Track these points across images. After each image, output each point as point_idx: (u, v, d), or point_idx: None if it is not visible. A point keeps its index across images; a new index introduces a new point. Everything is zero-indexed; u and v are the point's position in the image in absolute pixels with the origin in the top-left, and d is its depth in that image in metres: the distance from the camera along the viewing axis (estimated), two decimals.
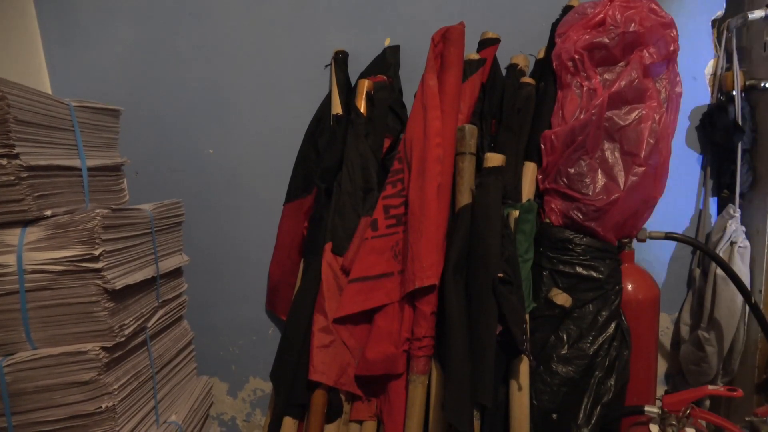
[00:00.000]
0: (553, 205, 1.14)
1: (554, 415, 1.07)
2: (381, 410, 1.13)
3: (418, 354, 1.06)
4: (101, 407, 0.93)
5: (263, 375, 1.60)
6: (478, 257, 1.02)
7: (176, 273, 1.26)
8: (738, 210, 1.24)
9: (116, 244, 0.97)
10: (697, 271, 1.35)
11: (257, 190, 1.50)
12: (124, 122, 1.25)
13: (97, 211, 0.93)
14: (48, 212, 0.94)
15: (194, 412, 1.21)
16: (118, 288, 0.95)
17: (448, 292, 1.02)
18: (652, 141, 1.07)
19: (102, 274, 0.92)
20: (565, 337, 1.10)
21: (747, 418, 0.97)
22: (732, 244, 1.23)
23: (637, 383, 1.13)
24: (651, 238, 1.17)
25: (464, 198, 1.09)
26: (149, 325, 1.09)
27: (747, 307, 1.23)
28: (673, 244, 1.41)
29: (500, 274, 0.98)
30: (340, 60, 1.36)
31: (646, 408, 0.99)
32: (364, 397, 1.16)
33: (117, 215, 0.98)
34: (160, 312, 1.15)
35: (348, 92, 1.34)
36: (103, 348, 0.93)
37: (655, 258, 1.37)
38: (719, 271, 1.23)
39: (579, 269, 1.11)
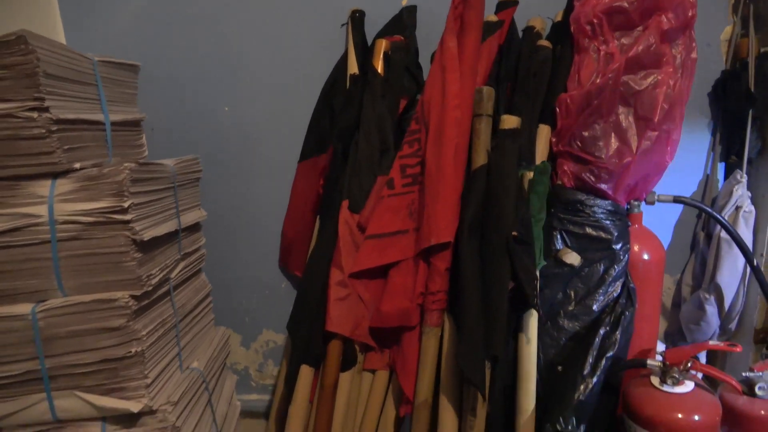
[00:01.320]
0: (565, 168, 1.17)
1: (559, 368, 1.13)
2: (394, 361, 1.18)
3: (432, 307, 1.11)
4: (130, 352, 0.97)
5: (276, 327, 1.65)
6: (492, 217, 1.05)
7: (195, 227, 1.30)
8: (745, 176, 1.27)
9: (143, 197, 1.00)
10: (701, 235, 1.39)
11: (271, 148, 1.52)
12: (139, 80, 1.26)
13: (126, 164, 0.96)
14: (77, 165, 0.96)
15: (213, 360, 1.27)
16: (146, 239, 0.98)
17: (463, 249, 1.06)
18: (666, 106, 1.09)
19: (131, 225, 0.95)
20: (572, 295, 1.14)
21: (744, 374, 1.02)
22: (737, 208, 1.27)
23: (640, 340, 1.18)
24: (660, 201, 1.20)
25: (480, 159, 1.11)
26: (172, 276, 1.13)
27: (748, 270, 1.27)
28: (678, 208, 1.44)
29: (514, 233, 1.01)
30: (357, 19, 1.36)
31: (649, 361, 1.04)
32: (378, 348, 1.21)
33: (143, 169, 1.01)
34: (182, 264, 1.19)
35: (364, 52, 1.34)
36: (132, 296, 0.97)
37: (660, 221, 1.41)
38: (723, 234, 1.27)
39: (589, 230, 1.14)
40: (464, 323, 1.02)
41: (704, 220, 1.40)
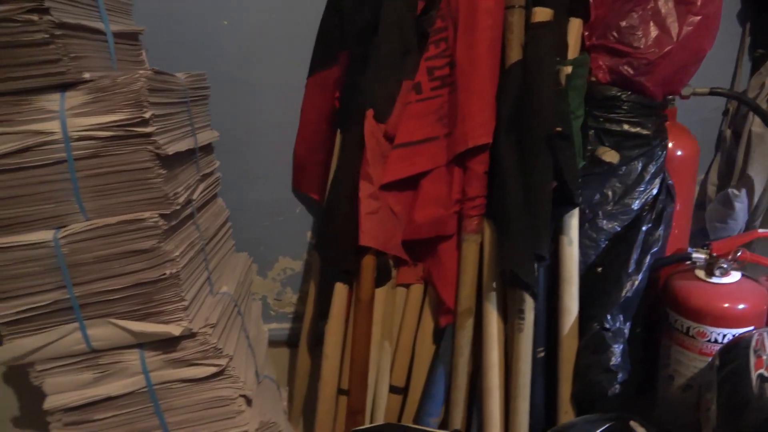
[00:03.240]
0: (600, 62, 1.11)
1: (599, 269, 1.11)
2: (430, 272, 1.15)
3: (471, 213, 1.07)
4: (165, 274, 0.92)
5: (293, 254, 1.61)
6: (531, 113, 1.00)
7: (209, 148, 1.23)
8: None
9: (160, 110, 0.92)
10: (728, 132, 1.36)
11: (277, 63, 1.42)
12: None
13: (141, 72, 0.87)
14: (86, 75, 0.87)
15: (241, 284, 1.22)
16: (170, 153, 0.91)
17: (503, 149, 1.01)
18: None
19: (153, 138, 0.88)
20: (610, 194, 1.11)
21: None
22: None
23: (674, 238, 1.17)
24: (695, 94, 1.16)
25: (514, 54, 1.05)
26: (194, 198, 1.07)
27: None
28: (703, 106, 1.40)
29: (558, 128, 0.97)
30: None
31: (694, 254, 1.03)
32: (411, 261, 1.18)
33: (159, 78, 0.92)
34: (201, 186, 1.12)
35: None
36: (161, 215, 0.91)
37: (683, 120, 1.37)
38: (755, 128, 1.24)
39: (626, 126, 1.10)
40: (509, 224, 0.98)
41: (730, 117, 1.37)
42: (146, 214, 0.90)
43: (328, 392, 1.16)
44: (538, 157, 0.98)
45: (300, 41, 1.38)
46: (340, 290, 1.15)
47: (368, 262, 1.13)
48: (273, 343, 1.67)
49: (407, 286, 1.20)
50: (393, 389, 1.20)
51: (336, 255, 1.15)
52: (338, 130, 1.25)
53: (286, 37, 1.39)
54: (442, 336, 1.17)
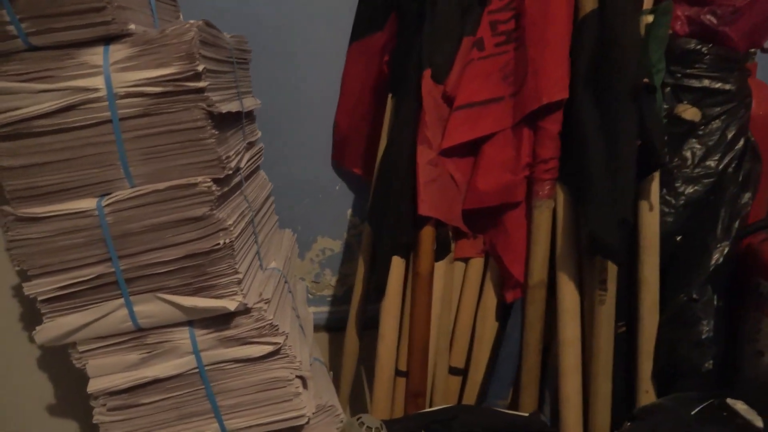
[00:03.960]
0: (679, 12, 1.02)
1: (678, 237, 1.03)
2: (493, 245, 1.07)
3: (544, 177, 0.99)
4: (218, 244, 0.84)
5: (332, 233, 1.53)
6: (613, 65, 0.91)
7: (251, 116, 1.16)
8: None
9: (211, 65, 0.85)
10: None
11: (316, 30, 1.34)
12: None
13: (191, 22, 0.80)
14: (131, 26, 0.80)
15: (288, 260, 1.15)
16: (223, 112, 0.84)
17: (580, 106, 0.93)
18: None
19: (206, 95, 0.80)
20: (690, 156, 1.03)
21: None
22: None
23: (757, 204, 1.08)
24: None
25: (588, 3, 0.96)
26: (242, 165, 0.99)
27: None
28: None
29: (645, 80, 0.88)
30: None
31: None
32: (471, 233, 1.10)
33: (209, 31, 0.85)
34: (248, 155, 1.04)
35: None
36: (214, 180, 0.83)
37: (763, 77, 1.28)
38: None
39: (706, 82, 1.02)
40: (590, 186, 0.90)
41: None
42: (198, 179, 0.82)
43: (386, 374, 1.08)
44: (622, 114, 0.89)
45: (339, 5, 1.30)
46: (398, 265, 1.07)
47: (427, 234, 1.05)
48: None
49: (466, 260, 1.13)
50: (452, 370, 1.12)
51: (393, 227, 1.06)
52: (389, 96, 1.17)
53: (327, 2, 1.31)
54: (506, 313, 1.09)
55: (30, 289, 0.85)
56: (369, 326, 1.26)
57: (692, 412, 0.78)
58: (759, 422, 0.80)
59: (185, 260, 0.85)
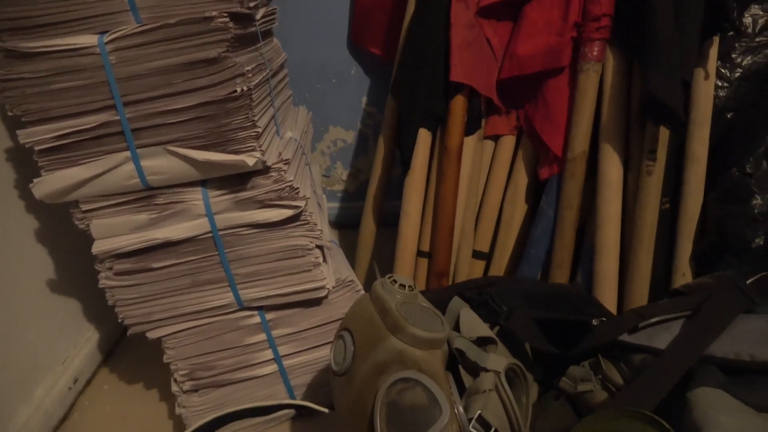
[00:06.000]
0: None
1: (729, 115, 0.95)
2: (529, 119, 0.99)
3: (594, 37, 0.89)
4: (235, 91, 0.75)
5: (345, 123, 1.45)
6: None
7: None
8: None
9: None
10: None
11: None
12: None
13: None
14: None
15: (305, 134, 1.07)
16: None
17: None
18: None
19: None
20: (750, 24, 0.93)
21: None
22: None
23: None
24: None
25: None
26: (257, 18, 0.89)
27: None
28: None
29: None
30: None
31: None
32: (504, 109, 1.02)
33: None
34: (262, 11, 0.94)
35: None
36: (230, 15, 0.73)
37: None
38: None
39: None
40: (652, 44, 0.81)
41: None
42: (214, 12, 0.73)
43: (408, 254, 1.02)
44: None
45: None
46: (425, 138, 0.99)
47: (459, 104, 0.97)
48: None
49: (496, 139, 1.05)
50: (476, 254, 1.07)
51: (424, 96, 0.97)
52: None
53: None
54: (537, 196, 1.02)
55: (25, 137, 0.77)
56: (383, 224, 1.19)
57: (748, 282, 0.72)
58: None
59: (198, 109, 0.77)
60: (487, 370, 0.67)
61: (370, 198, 1.16)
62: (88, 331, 1.14)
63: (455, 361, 0.70)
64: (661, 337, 0.70)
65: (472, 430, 0.62)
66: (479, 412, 0.64)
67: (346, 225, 1.53)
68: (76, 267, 1.09)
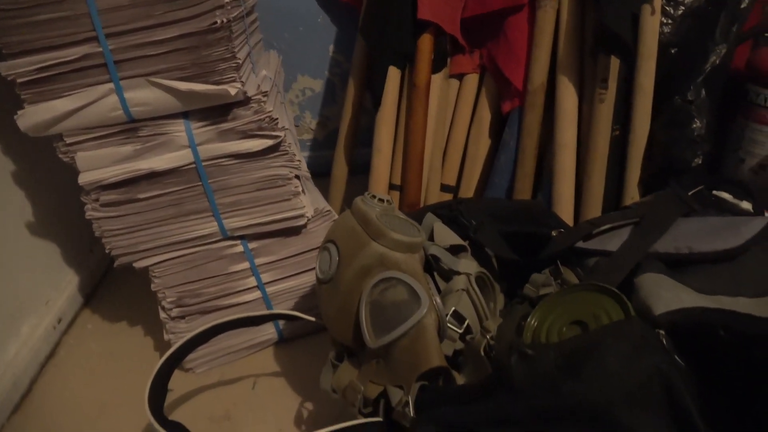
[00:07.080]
0: None
1: (673, 50, 1.03)
2: (492, 57, 1.05)
3: None
4: (216, 23, 0.79)
5: (312, 72, 1.48)
6: None
7: None
8: None
9: None
10: None
11: None
12: None
13: None
14: None
15: (279, 74, 1.10)
16: None
17: None
18: None
19: None
20: None
21: None
22: None
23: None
24: None
25: None
26: None
27: None
28: None
29: None
30: None
31: None
32: (468, 48, 1.08)
33: None
34: None
35: None
36: None
37: None
38: None
39: None
40: None
41: None
42: None
43: (381, 187, 1.08)
44: None
45: None
46: (394, 76, 1.05)
47: (426, 42, 1.02)
48: None
49: (461, 77, 1.11)
50: (444, 188, 1.13)
51: (389, 35, 1.02)
52: None
53: None
54: (499, 131, 1.09)
55: (6, 69, 0.78)
56: (353, 171, 1.24)
57: (689, 193, 0.81)
58: (746, 205, 0.85)
59: (179, 41, 0.80)
60: (459, 273, 0.74)
61: (341, 142, 1.21)
62: (68, 275, 1.16)
63: (432, 269, 0.77)
64: (612, 241, 0.78)
65: (448, 322, 0.70)
66: (454, 308, 0.71)
67: (316, 174, 1.55)
68: (55, 212, 1.11)
